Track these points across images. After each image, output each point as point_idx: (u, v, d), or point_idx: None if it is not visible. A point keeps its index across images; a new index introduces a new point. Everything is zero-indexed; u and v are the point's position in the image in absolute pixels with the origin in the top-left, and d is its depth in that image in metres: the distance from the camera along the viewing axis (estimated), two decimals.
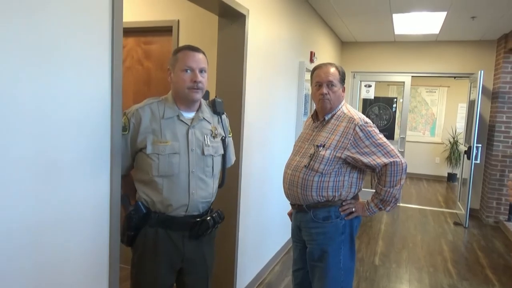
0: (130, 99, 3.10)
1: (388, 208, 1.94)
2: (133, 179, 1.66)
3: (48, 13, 1.18)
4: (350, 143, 1.91)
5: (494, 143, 5.20)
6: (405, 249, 4.19)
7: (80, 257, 1.38)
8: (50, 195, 1.24)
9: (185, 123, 1.63)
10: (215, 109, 1.77)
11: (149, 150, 1.55)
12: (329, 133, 1.97)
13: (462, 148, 5.66)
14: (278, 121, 3.46)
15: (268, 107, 3.19)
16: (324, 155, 1.92)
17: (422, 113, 8.84)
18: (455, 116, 8.57)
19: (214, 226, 1.70)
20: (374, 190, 1.99)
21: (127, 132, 1.57)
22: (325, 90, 1.98)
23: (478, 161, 5.07)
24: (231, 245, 2.70)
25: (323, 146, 1.94)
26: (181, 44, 2.94)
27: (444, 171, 8.58)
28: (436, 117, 8.75)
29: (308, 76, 4.19)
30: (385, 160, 1.88)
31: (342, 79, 2.03)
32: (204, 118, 1.70)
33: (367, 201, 2.00)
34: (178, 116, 1.62)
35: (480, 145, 5.07)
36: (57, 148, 1.25)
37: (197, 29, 2.90)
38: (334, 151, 1.92)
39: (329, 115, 2.02)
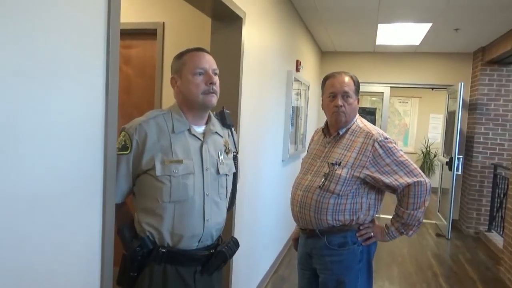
0: None
1: (411, 232, 1.76)
2: (134, 209, 1.39)
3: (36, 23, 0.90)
4: (369, 161, 1.72)
5: (474, 154, 5.24)
6: (394, 263, 4.07)
7: None
8: (28, 235, 0.94)
9: (197, 138, 1.40)
10: (225, 121, 1.54)
11: (159, 171, 1.29)
12: (345, 150, 1.77)
13: (442, 159, 5.68)
14: (268, 133, 3.24)
15: (261, 119, 2.96)
16: (340, 175, 1.71)
17: (395, 123, 8.93)
18: (427, 126, 8.72)
19: (231, 256, 1.47)
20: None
21: (128, 151, 1.30)
22: (340, 102, 1.78)
23: (460, 172, 5.08)
24: (226, 269, 2.43)
25: (339, 165, 1.74)
26: (166, 48, 2.67)
27: None
28: (408, 127, 8.87)
29: (295, 85, 4.05)
30: (408, 180, 1.70)
31: (357, 90, 1.84)
32: (216, 131, 1.48)
33: (386, 224, 1.82)
34: (189, 130, 1.38)
35: (461, 156, 5.08)
36: (36, 176, 0.96)
37: (185, 32, 2.65)
38: (351, 170, 1.72)
39: (344, 130, 1.83)
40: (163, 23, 2.67)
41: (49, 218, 0.99)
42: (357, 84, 1.84)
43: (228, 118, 1.55)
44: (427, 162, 8.47)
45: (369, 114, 6.64)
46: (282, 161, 3.80)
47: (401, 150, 1.77)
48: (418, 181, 1.70)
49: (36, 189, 0.95)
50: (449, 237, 5.07)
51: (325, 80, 1.89)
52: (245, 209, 2.73)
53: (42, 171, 0.96)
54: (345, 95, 1.78)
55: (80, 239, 1.11)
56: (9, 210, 0.88)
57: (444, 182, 5.69)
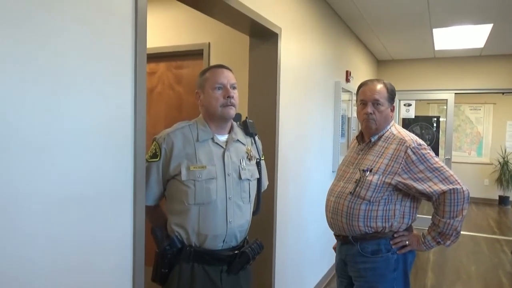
0: (161, 124, 3.03)
1: (448, 242, 1.69)
2: (166, 211, 1.54)
3: (66, 38, 1.09)
4: (402, 167, 1.69)
5: None
6: (458, 281, 3.79)
7: None
8: (64, 233, 1.11)
9: (220, 145, 1.53)
10: (248, 130, 1.66)
11: (184, 176, 1.44)
12: (377, 156, 1.76)
13: None
14: (314, 143, 3.27)
15: (304, 129, 3.01)
16: (371, 181, 1.71)
17: (466, 132, 8.32)
18: (503, 134, 8.00)
19: (254, 257, 1.55)
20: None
21: (158, 159, 1.47)
22: (369, 109, 1.79)
23: None
24: (268, 279, 2.49)
25: (370, 171, 1.74)
26: None
27: (495, 193, 7.95)
28: (482, 136, 8.21)
29: (344, 96, 4.04)
30: (443, 187, 1.65)
31: (391, 97, 1.83)
32: (238, 140, 1.59)
33: (423, 233, 1.76)
34: (212, 138, 1.52)
35: None
36: (73, 180, 1.13)
37: (228, 50, 2.81)
38: (383, 176, 1.71)
39: (376, 137, 1.82)
40: (209, 43, 2.87)
41: (83, 216, 1.16)
42: (390, 92, 1.83)
43: (251, 127, 1.66)
44: (505, 173, 7.74)
45: (428, 122, 6.18)
46: (332, 171, 3.77)
47: (436, 157, 1.72)
48: (454, 189, 1.64)
49: (73, 190, 1.12)
50: None
51: (358, 88, 1.90)
52: (289, 220, 2.77)
53: (79, 173, 1.14)
54: (376, 103, 1.78)
55: (113, 236, 1.26)
56: (47, 210, 1.06)
57: None
